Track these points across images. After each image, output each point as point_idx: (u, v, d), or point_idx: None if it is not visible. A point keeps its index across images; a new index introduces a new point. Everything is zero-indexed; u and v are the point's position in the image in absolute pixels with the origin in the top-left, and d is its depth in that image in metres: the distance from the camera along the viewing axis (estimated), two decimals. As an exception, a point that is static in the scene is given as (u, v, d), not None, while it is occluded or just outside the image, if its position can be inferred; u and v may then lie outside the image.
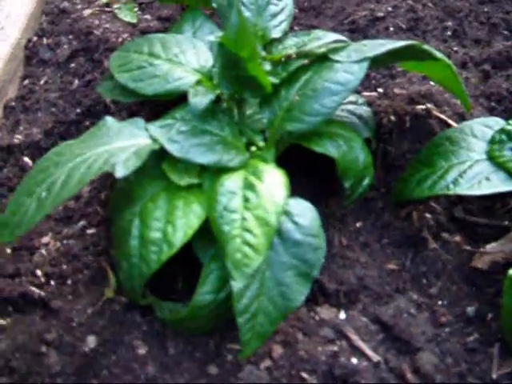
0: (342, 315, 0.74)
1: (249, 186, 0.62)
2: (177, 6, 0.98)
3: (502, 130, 0.70)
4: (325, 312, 0.74)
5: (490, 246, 0.78)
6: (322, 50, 0.65)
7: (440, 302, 0.76)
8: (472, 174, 0.70)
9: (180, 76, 0.66)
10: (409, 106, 0.80)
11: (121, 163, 0.59)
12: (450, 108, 0.80)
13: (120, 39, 0.91)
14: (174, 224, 0.63)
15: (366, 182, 0.71)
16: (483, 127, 0.73)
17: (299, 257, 0.63)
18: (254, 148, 0.67)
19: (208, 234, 0.64)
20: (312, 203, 0.78)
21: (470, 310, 0.76)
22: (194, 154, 0.62)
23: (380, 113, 0.81)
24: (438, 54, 0.67)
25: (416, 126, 0.80)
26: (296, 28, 0.93)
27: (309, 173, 0.78)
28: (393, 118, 0.80)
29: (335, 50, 0.65)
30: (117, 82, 0.70)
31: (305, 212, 0.63)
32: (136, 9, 0.99)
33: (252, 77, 0.63)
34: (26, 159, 0.84)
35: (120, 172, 0.59)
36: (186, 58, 0.67)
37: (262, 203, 0.60)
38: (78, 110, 0.89)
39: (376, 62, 0.67)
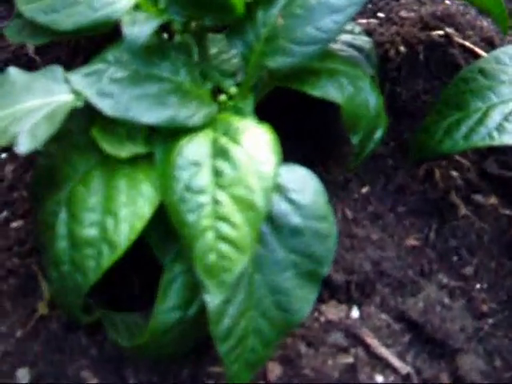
0: (355, 313, 0.55)
1: (220, 152, 0.41)
2: None
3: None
4: (332, 311, 0.56)
5: (535, 208, 0.59)
6: None
7: (478, 285, 0.58)
8: (519, 116, 0.51)
9: (110, 0, 0.44)
10: (422, 33, 0.60)
11: (25, 133, 0.38)
12: (475, 32, 0.60)
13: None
14: (115, 215, 0.43)
15: (379, 134, 0.51)
16: (527, 51, 0.54)
17: (301, 250, 0.43)
18: (223, 97, 0.47)
19: (166, 223, 0.44)
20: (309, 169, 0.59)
21: (517, 292, 0.58)
22: (136, 110, 0.42)
23: (384, 43, 0.61)
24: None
25: (433, 58, 0.60)
26: None
27: (297, 127, 0.58)
28: (402, 48, 0.60)
29: None
30: (26, 19, 0.49)
31: (304, 184, 0.43)
32: None
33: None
34: None
35: (23, 145, 0.38)
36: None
37: (242, 177, 0.40)
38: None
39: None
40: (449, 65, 0.59)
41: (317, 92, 0.46)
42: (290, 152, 0.56)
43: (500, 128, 0.51)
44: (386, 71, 0.61)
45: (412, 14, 0.62)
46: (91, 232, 0.44)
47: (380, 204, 0.60)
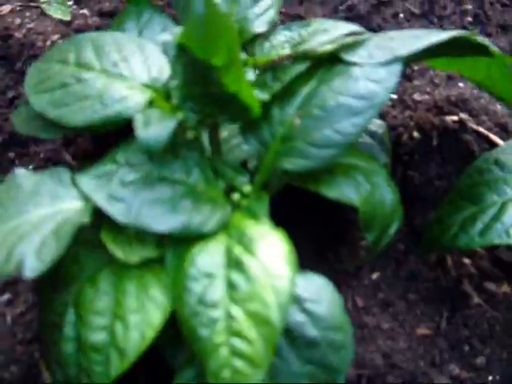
0: (367, 406, 0.52)
1: (234, 264, 0.38)
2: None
3: None
4: (345, 405, 0.52)
5: (549, 298, 0.56)
6: (330, 47, 0.42)
7: (491, 377, 0.55)
8: (538, 211, 0.48)
9: (122, 95, 0.42)
10: (435, 117, 0.57)
11: (31, 255, 0.35)
12: (489, 117, 0.58)
13: (49, 42, 0.65)
14: (124, 320, 0.40)
15: (394, 228, 0.49)
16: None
17: (316, 361, 0.40)
18: (236, 195, 0.44)
19: (176, 326, 0.41)
20: (317, 257, 0.56)
21: (532, 385, 0.54)
22: (147, 217, 0.39)
23: (397, 127, 0.58)
24: (495, 49, 0.45)
25: (446, 144, 0.57)
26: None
27: (310, 213, 0.56)
28: (415, 133, 0.57)
29: (350, 48, 0.42)
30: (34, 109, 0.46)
31: (320, 294, 0.40)
32: (70, 2, 0.74)
33: (231, 94, 0.39)
34: None
35: (30, 270, 0.35)
36: (131, 67, 0.43)
37: (257, 291, 0.37)
38: (0, 138, 0.64)
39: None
40: (463, 151, 0.57)
41: (332, 193, 0.43)
42: (302, 239, 0.54)
43: (517, 225, 0.48)
44: (399, 154, 0.58)
45: (426, 97, 0.59)
46: (100, 336, 0.40)
47: (391, 291, 0.57)
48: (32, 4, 0.72)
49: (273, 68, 0.44)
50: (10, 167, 0.66)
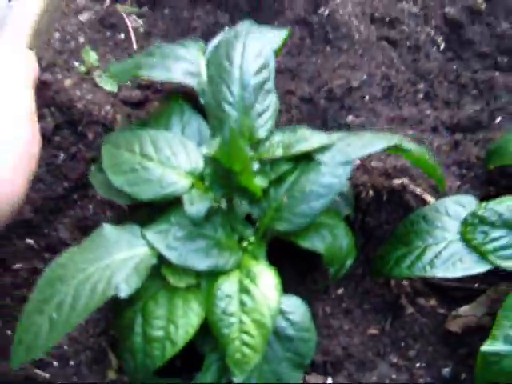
0: (329, 381, 0.82)
1: (244, 290, 0.68)
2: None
3: (473, 214, 0.77)
4: (313, 379, 0.82)
5: (462, 310, 0.86)
6: (308, 150, 0.71)
7: (418, 364, 0.85)
8: (447, 255, 0.77)
9: (174, 180, 0.71)
10: (386, 181, 0.87)
11: (123, 283, 0.65)
12: (425, 182, 0.87)
13: (103, 112, 0.94)
14: (175, 323, 0.69)
15: (349, 263, 0.78)
16: (457, 206, 0.81)
17: (293, 350, 0.70)
18: (245, 243, 0.73)
19: (205, 328, 0.70)
20: (298, 279, 0.85)
21: (446, 371, 0.84)
22: (192, 260, 0.68)
23: (358, 186, 0.88)
24: (417, 152, 0.74)
25: (393, 200, 0.87)
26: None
27: (295, 250, 0.85)
28: (371, 191, 0.87)
29: (320, 150, 0.71)
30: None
31: (297, 309, 0.70)
32: (116, 73, 1.02)
33: (243, 186, 0.69)
34: (29, 240, 0.88)
35: (124, 292, 0.64)
36: (178, 160, 0.72)
37: (258, 307, 0.66)
38: (66, 185, 0.93)
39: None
40: (404, 206, 0.86)
41: (306, 244, 0.73)
42: (289, 268, 0.84)
43: (432, 263, 0.78)
44: (359, 206, 0.88)
45: (380, 164, 0.88)
46: (159, 333, 0.69)
47: (351, 302, 0.87)
48: (87, 77, 1.00)
49: (271, 162, 0.73)
50: (73, 205, 0.95)
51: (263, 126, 0.74)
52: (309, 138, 0.72)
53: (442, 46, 1.06)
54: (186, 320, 0.69)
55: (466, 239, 0.77)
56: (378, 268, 0.83)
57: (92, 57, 1.02)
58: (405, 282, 0.87)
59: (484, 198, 0.86)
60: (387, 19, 1.06)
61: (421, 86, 1.00)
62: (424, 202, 0.86)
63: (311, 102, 0.96)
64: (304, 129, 0.75)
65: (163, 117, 0.79)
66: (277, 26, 1.05)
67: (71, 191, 0.93)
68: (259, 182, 0.70)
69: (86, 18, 1.07)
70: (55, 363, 0.81)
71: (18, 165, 0.67)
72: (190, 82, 0.76)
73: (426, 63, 1.02)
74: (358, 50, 1.00)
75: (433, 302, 0.87)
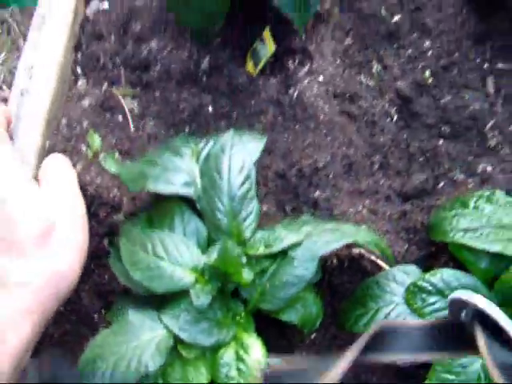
0: None
1: (240, 359, 0.93)
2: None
3: (414, 284, 1.03)
4: None
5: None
6: (283, 247, 0.96)
7: None
8: (394, 315, 1.04)
9: (181, 277, 0.95)
10: (347, 250, 1.12)
11: (150, 361, 0.89)
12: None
13: (111, 195, 1.17)
14: (189, 381, 0.95)
15: (317, 324, 1.04)
16: (403, 274, 1.07)
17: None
18: (238, 318, 0.99)
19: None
20: (281, 334, 1.11)
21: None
22: (199, 339, 0.93)
23: (325, 256, 1.13)
24: (369, 243, 0.99)
25: (353, 266, 1.12)
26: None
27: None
28: (335, 260, 1.12)
29: (293, 247, 0.96)
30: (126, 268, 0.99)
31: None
32: (117, 154, 1.24)
33: (237, 282, 0.94)
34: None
35: (151, 368, 0.89)
36: (183, 259, 0.96)
37: (251, 372, 0.92)
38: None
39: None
40: (362, 271, 1.12)
41: (285, 318, 0.98)
42: (273, 328, 1.09)
43: (383, 322, 1.04)
44: (327, 269, 1.13)
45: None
46: (177, 389, 0.95)
47: (322, 345, 1.13)
48: (94, 160, 1.22)
49: (255, 257, 0.97)
50: (92, 274, 1.18)
51: (248, 227, 0.98)
52: (284, 238, 0.97)
53: (395, 118, 1.30)
54: (198, 381, 0.95)
55: (408, 304, 1.03)
56: (341, 322, 1.09)
57: (96, 140, 1.25)
58: (364, 330, 1.14)
59: (429, 256, 1.13)
60: (347, 95, 1.30)
61: (376, 157, 1.24)
62: (379, 268, 1.12)
63: (284, 177, 1.20)
64: (281, 229, 0.99)
65: (167, 217, 1.02)
66: (253, 105, 1.28)
67: (88, 262, 1.16)
68: (246, 275, 0.95)
69: (88, 103, 1.28)
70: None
71: (76, 259, 0.90)
72: (188, 191, 1.00)
73: (380, 136, 1.26)
74: (323, 130, 1.23)
75: (387, 343, 1.14)
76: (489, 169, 1.25)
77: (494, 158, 1.27)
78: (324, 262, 1.13)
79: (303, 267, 0.95)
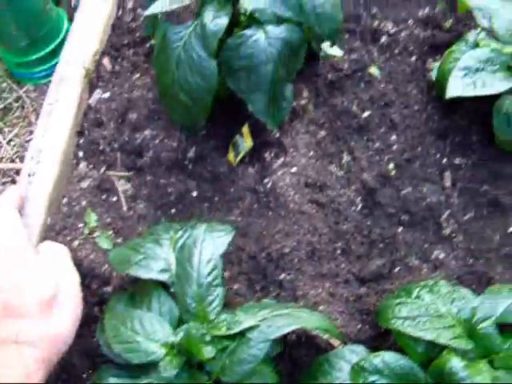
0: None
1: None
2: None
3: (357, 364, 1.24)
4: None
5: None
6: (242, 329, 1.18)
7: None
8: (340, 392, 1.25)
9: (154, 350, 1.17)
10: (304, 333, 1.34)
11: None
12: (332, 329, 1.34)
13: (102, 269, 1.40)
14: None
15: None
16: (351, 353, 1.27)
17: None
18: (206, 385, 1.20)
19: None
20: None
21: None
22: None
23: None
24: (318, 327, 1.21)
25: (309, 343, 1.34)
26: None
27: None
28: (294, 336, 1.34)
29: (250, 329, 1.18)
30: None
31: None
32: (111, 232, 1.48)
33: (198, 358, 1.16)
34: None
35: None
36: (157, 336, 1.18)
37: None
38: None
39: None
40: (317, 347, 1.33)
41: (242, 390, 1.20)
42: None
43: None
44: (287, 343, 1.34)
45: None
46: None
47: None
48: (90, 237, 1.46)
49: (218, 336, 1.19)
50: (82, 338, 1.41)
51: (213, 310, 1.20)
52: (243, 321, 1.18)
53: (359, 206, 1.52)
54: None
55: (353, 381, 1.24)
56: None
57: (93, 218, 1.49)
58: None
59: (378, 335, 1.34)
60: (318, 184, 1.52)
61: (339, 243, 1.46)
62: (332, 346, 1.33)
63: (255, 259, 1.43)
64: (241, 312, 1.21)
65: (147, 297, 1.25)
66: (232, 192, 1.51)
67: (80, 326, 1.39)
68: (207, 354, 1.16)
69: (87, 184, 1.53)
70: None
71: (72, 323, 1.14)
72: (164, 277, 1.23)
73: (344, 223, 1.48)
74: (292, 218, 1.46)
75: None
76: (442, 256, 1.46)
77: (448, 245, 1.47)
78: (285, 337, 1.34)
79: (257, 347, 1.16)
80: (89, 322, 1.39)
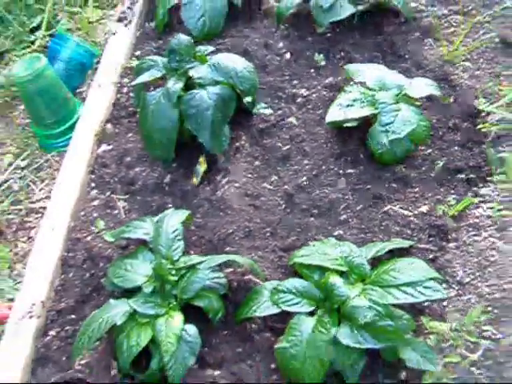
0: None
1: (168, 325, 1.93)
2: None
3: (275, 288, 2.04)
4: None
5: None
6: (194, 263, 2.01)
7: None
8: (264, 306, 2.03)
9: (139, 279, 1.98)
10: (241, 276, 2.14)
11: (118, 320, 1.92)
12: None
13: (106, 253, 2.24)
14: (141, 338, 1.94)
15: (219, 314, 2.03)
16: (270, 285, 2.08)
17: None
18: (170, 303, 1.99)
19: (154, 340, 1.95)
20: (201, 319, 2.12)
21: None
22: (147, 311, 1.94)
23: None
24: (247, 265, 2.03)
25: (246, 289, 2.13)
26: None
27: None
28: (235, 283, 2.14)
29: (199, 263, 2.00)
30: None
31: (191, 330, 1.95)
32: (113, 231, 2.33)
33: (166, 281, 1.98)
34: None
35: (118, 322, 1.91)
36: (141, 271, 2.01)
37: (174, 331, 1.92)
38: (84, 291, 2.21)
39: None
40: (250, 288, 2.12)
41: (196, 303, 1.99)
42: (196, 312, 2.09)
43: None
44: (230, 288, 2.14)
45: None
46: (133, 342, 1.93)
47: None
48: (100, 235, 2.31)
49: (180, 269, 2.02)
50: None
51: (176, 254, 2.03)
52: (194, 259, 2.02)
53: (283, 206, 2.36)
54: (145, 337, 1.93)
55: (271, 299, 2.02)
56: (238, 313, 2.08)
57: (101, 224, 2.35)
58: None
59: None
60: (254, 194, 2.38)
61: (268, 229, 2.29)
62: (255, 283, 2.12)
63: (211, 242, 2.25)
64: (194, 255, 2.04)
65: (134, 253, 2.10)
66: (195, 202, 2.37)
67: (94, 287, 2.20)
68: (171, 278, 1.99)
69: (97, 203, 2.41)
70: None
71: None
72: (146, 237, 2.08)
73: (272, 217, 2.32)
74: (235, 216, 2.30)
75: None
76: (341, 233, 2.27)
77: (346, 226, 2.26)
78: (230, 284, 2.13)
79: (203, 273, 1.98)
80: (98, 288, 2.21)
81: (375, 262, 2.11)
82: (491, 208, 2.32)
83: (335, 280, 2.00)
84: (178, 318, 1.95)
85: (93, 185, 2.48)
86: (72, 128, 2.69)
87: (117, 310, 1.95)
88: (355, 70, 2.50)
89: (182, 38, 2.35)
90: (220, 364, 1.99)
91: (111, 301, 2.00)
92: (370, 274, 2.04)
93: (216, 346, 2.03)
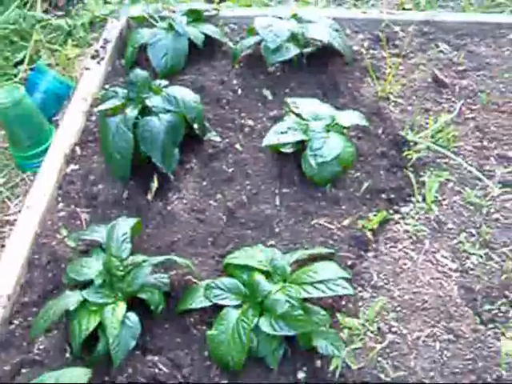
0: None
1: (113, 312, 2.40)
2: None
3: (207, 285, 2.52)
4: None
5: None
6: (140, 260, 2.50)
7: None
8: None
9: (92, 273, 2.47)
10: (182, 277, 2.63)
11: (71, 306, 2.40)
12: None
13: (67, 256, 2.73)
14: (90, 321, 2.41)
15: (160, 307, 2.51)
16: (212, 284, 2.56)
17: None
18: (117, 294, 2.47)
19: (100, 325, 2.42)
20: (144, 309, 2.60)
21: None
22: (97, 301, 2.42)
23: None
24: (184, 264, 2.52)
25: (185, 286, 2.62)
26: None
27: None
28: (176, 283, 2.62)
29: (144, 261, 2.50)
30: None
31: (133, 318, 2.43)
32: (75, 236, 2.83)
33: (114, 275, 2.47)
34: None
35: (71, 307, 2.40)
36: (94, 267, 2.51)
37: (117, 319, 2.39)
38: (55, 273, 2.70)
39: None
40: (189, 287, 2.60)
41: (140, 295, 2.48)
42: (140, 303, 2.56)
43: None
44: (173, 288, 2.62)
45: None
46: (84, 326, 2.41)
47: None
48: (63, 240, 2.80)
49: (128, 265, 2.51)
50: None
51: (124, 254, 2.52)
52: (141, 257, 2.51)
53: (225, 220, 2.85)
54: (95, 321, 2.40)
55: (204, 296, 2.50)
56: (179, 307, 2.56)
57: (64, 232, 2.84)
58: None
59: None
60: (200, 209, 2.88)
61: (209, 238, 2.78)
62: (194, 283, 2.60)
63: (160, 249, 2.74)
64: (139, 255, 2.54)
65: (90, 253, 2.60)
66: (148, 216, 2.87)
67: (57, 282, 2.67)
68: (119, 273, 2.48)
69: (62, 214, 2.90)
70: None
71: None
72: (100, 239, 2.58)
73: (214, 229, 2.81)
74: (183, 227, 2.80)
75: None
76: (273, 243, 2.75)
77: (278, 238, 2.74)
78: (172, 284, 2.61)
79: (147, 269, 2.48)
80: (60, 286, 2.69)
81: (299, 267, 2.58)
82: (408, 224, 2.81)
83: (259, 278, 2.48)
84: (122, 306, 2.41)
85: (59, 199, 2.97)
86: (46, 151, 3.20)
87: (70, 299, 2.43)
88: (293, 102, 3.03)
89: (139, 73, 2.90)
90: (160, 351, 2.43)
91: (66, 291, 2.48)
92: (291, 274, 2.53)
93: (157, 336, 2.48)
